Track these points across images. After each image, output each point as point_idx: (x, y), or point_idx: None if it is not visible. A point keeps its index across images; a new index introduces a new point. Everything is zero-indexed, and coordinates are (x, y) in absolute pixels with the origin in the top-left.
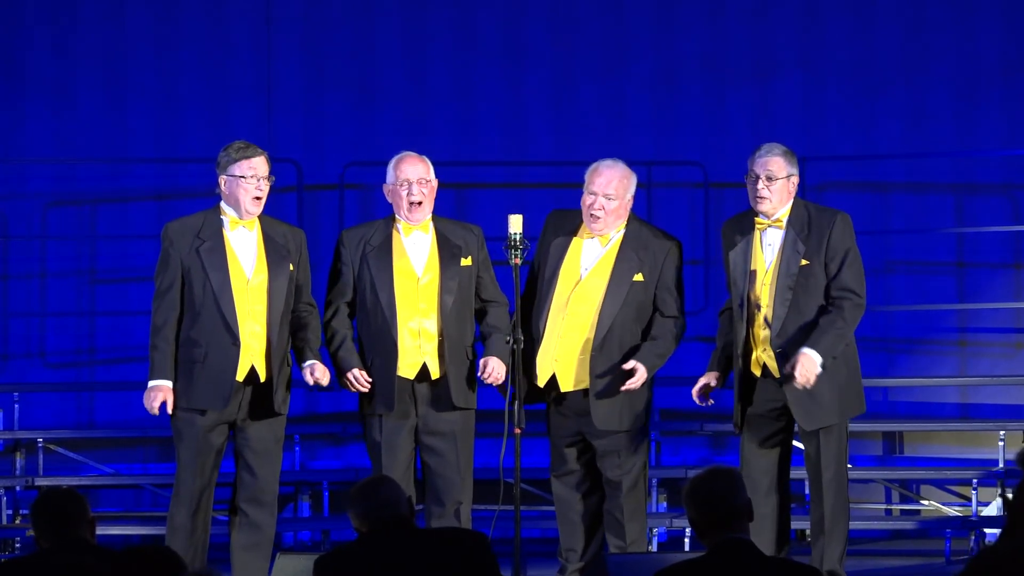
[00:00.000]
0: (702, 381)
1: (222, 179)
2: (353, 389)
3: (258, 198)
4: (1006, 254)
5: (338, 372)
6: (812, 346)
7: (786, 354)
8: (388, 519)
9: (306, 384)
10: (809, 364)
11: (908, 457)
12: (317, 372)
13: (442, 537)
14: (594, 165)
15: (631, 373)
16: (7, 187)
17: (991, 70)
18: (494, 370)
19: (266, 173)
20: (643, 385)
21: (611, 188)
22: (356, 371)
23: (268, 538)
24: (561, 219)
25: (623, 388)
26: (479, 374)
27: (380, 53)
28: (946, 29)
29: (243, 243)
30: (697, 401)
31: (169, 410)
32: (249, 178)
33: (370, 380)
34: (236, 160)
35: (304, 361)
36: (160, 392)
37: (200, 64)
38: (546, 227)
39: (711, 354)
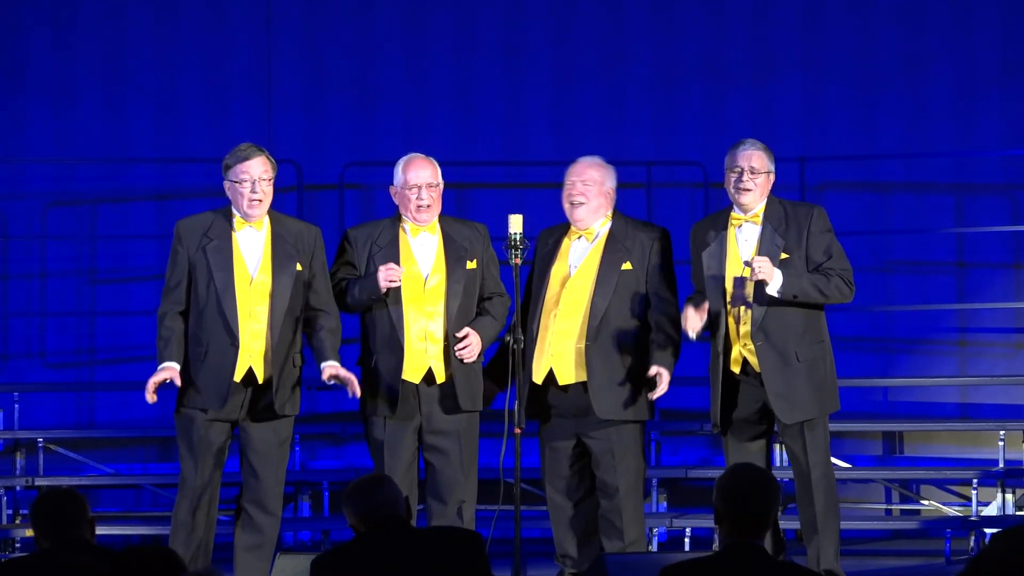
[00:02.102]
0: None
1: (225, 184)
2: (395, 282)
3: (256, 200)
4: (1006, 254)
5: (370, 290)
6: (783, 272)
7: (770, 348)
8: (386, 519)
9: (312, 383)
10: (768, 267)
11: (908, 457)
12: (341, 372)
13: (437, 536)
14: (572, 164)
15: (645, 371)
16: (7, 187)
17: (990, 70)
18: (470, 344)
19: (264, 174)
20: (641, 380)
21: (588, 175)
22: (382, 268)
23: (270, 540)
24: (549, 232)
25: (652, 396)
26: (455, 349)
27: (380, 53)
28: (946, 29)
29: (250, 243)
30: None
31: (177, 382)
32: (244, 182)
33: (397, 266)
34: (233, 164)
35: (322, 362)
36: (165, 371)
37: (200, 64)
38: (537, 244)
39: (687, 299)
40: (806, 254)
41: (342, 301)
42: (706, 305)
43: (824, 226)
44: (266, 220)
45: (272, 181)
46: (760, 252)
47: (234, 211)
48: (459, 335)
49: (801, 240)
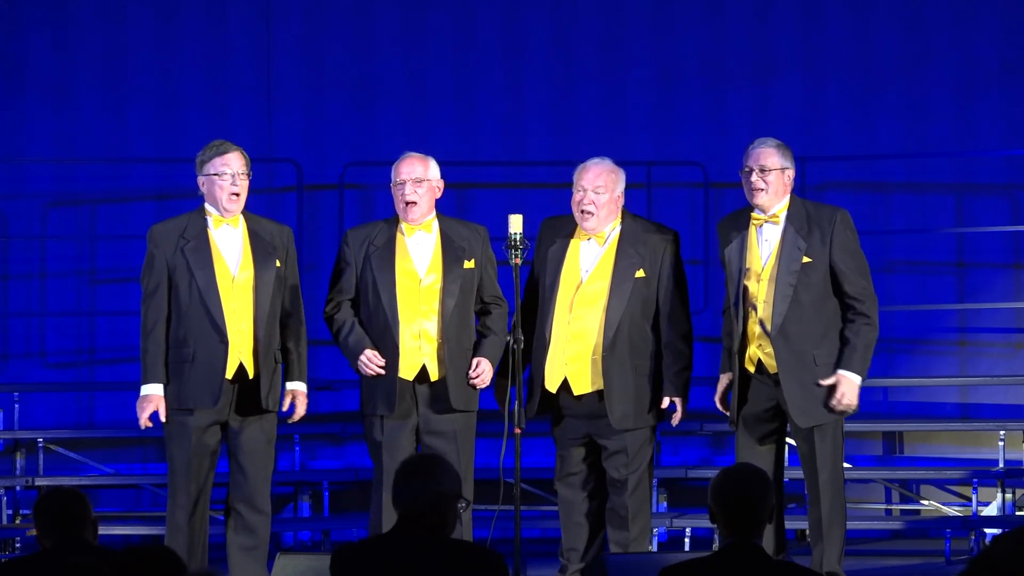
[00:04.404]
0: (722, 386)
1: (200, 180)
2: (369, 372)
3: (235, 194)
4: (1006, 254)
5: (350, 358)
6: (848, 367)
7: (789, 351)
8: (410, 512)
9: (312, 383)
10: (850, 388)
11: (908, 457)
12: (299, 406)
13: (460, 552)
14: (581, 164)
15: (658, 392)
16: (7, 187)
17: (990, 70)
18: (483, 372)
19: (242, 169)
20: (655, 384)
21: (600, 181)
22: (368, 352)
23: (263, 540)
24: (555, 225)
25: (673, 423)
26: (469, 371)
27: (380, 53)
28: (945, 29)
29: (228, 241)
30: (722, 408)
31: (162, 417)
32: (224, 175)
33: (383, 360)
34: (210, 159)
35: (289, 380)
36: (150, 403)
37: (200, 64)
38: (541, 235)
39: (721, 355)
40: (830, 261)
41: (331, 322)
42: (728, 377)
43: (848, 233)
44: (241, 219)
45: (248, 178)
46: (781, 255)
47: (209, 209)
48: (471, 372)
49: (824, 246)
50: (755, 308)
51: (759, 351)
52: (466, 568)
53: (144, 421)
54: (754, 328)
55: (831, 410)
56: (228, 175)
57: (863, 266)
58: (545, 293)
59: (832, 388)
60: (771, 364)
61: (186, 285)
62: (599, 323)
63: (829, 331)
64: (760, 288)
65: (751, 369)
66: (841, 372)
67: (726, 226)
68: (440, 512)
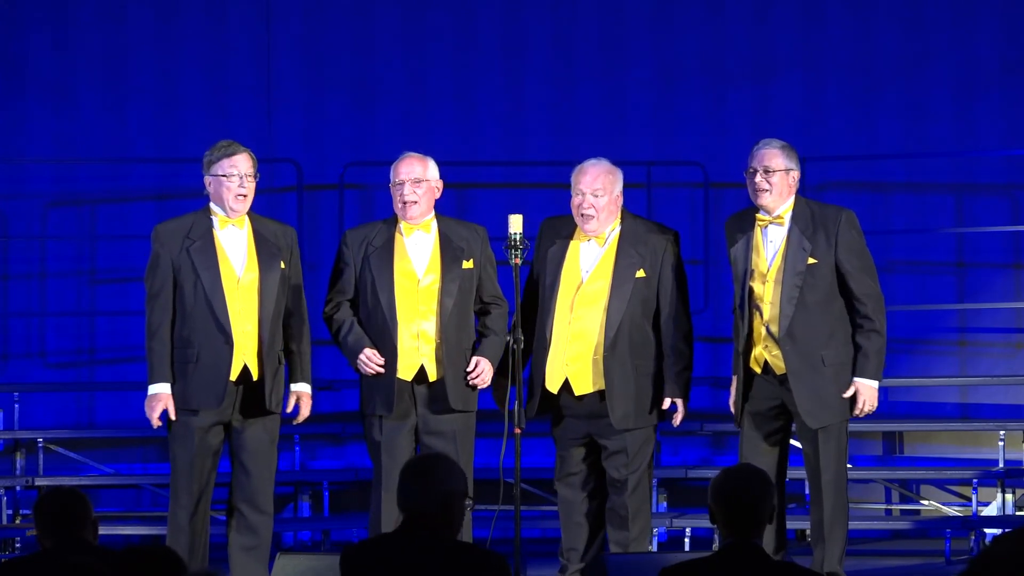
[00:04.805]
0: (735, 388)
1: (207, 179)
2: (369, 371)
3: (242, 196)
4: (1006, 254)
5: (349, 357)
6: (863, 375)
7: (796, 353)
8: (413, 513)
9: (312, 384)
10: (870, 394)
11: (908, 457)
12: (303, 408)
13: (462, 552)
14: (578, 166)
15: (659, 392)
16: (7, 187)
17: (990, 70)
18: (483, 372)
19: (249, 171)
20: (656, 384)
21: (598, 184)
22: (367, 351)
23: (265, 540)
24: (555, 225)
25: (675, 423)
26: (468, 370)
27: (380, 53)
28: (945, 29)
29: (233, 242)
30: (736, 411)
31: (172, 415)
32: (232, 176)
33: (382, 359)
34: (218, 159)
35: (293, 382)
36: (159, 402)
37: (200, 64)
38: (541, 235)
39: (733, 356)
40: (835, 261)
41: (330, 322)
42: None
43: (853, 238)
44: (246, 219)
45: (256, 180)
46: (787, 256)
47: (215, 209)
48: (469, 369)
49: (830, 247)
50: (760, 310)
51: (765, 352)
52: (468, 569)
53: (155, 421)
54: (760, 329)
55: (856, 417)
56: (236, 176)
57: (869, 266)
58: (545, 293)
59: (853, 396)
60: (778, 365)
61: (191, 285)
62: (600, 323)
63: (836, 331)
64: (766, 289)
65: (757, 370)
66: (858, 380)
67: (732, 226)
68: (447, 512)
